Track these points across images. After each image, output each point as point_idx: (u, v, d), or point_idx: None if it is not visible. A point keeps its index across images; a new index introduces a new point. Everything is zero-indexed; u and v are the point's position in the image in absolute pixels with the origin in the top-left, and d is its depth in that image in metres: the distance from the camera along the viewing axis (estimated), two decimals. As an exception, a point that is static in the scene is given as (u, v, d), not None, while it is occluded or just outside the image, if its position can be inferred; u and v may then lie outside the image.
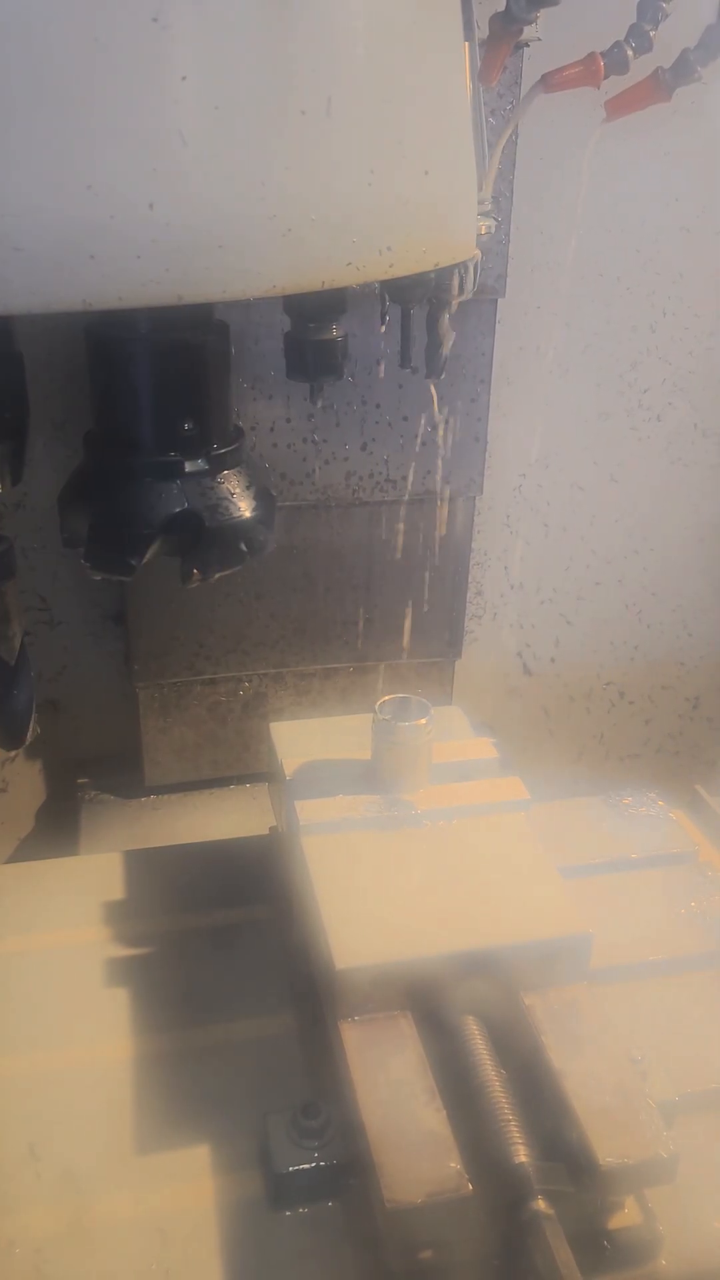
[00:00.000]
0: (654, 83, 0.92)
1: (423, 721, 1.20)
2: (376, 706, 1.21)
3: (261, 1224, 0.97)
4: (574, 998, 1.05)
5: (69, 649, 1.87)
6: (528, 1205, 0.90)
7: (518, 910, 1.08)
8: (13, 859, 1.92)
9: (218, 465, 0.91)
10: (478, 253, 0.89)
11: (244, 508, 0.92)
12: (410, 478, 1.66)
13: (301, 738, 1.31)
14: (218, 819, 1.83)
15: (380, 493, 1.68)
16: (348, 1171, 0.97)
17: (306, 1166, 0.97)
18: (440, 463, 1.66)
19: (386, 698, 1.22)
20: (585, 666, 2.11)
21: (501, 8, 0.90)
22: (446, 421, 1.65)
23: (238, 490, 0.92)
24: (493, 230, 1.00)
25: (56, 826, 1.94)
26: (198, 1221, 0.97)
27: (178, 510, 0.89)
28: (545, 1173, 0.92)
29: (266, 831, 1.41)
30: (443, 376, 1.28)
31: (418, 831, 1.18)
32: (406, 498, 1.67)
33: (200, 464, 0.90)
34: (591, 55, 0.91)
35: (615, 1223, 0.95)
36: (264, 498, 0.93)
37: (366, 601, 1.76)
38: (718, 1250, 0.95)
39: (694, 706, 2.19)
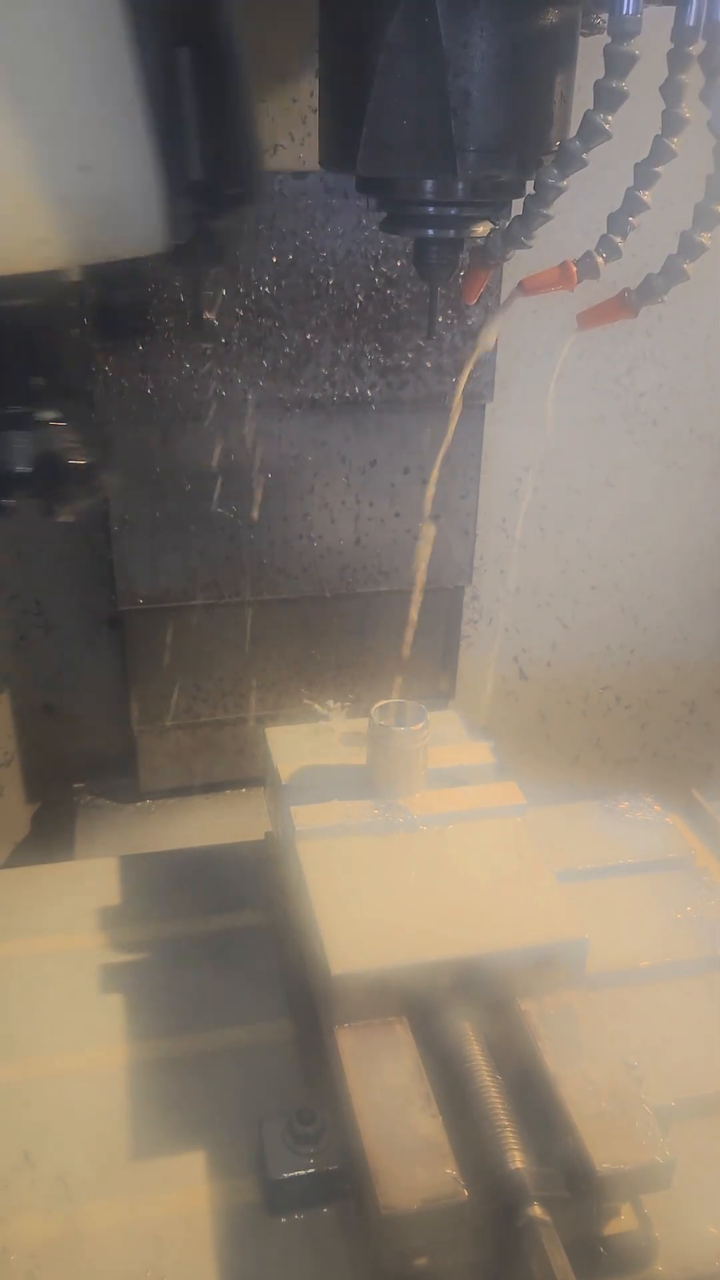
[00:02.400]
0: (621, 301, 1.02)
1: (419, 726, 1.20)
2: (372, 711, 1.21)
3: (257, 1230, 0.97)
4: (570, 1003, 1.05)
5: (64, 653, 1.87)
6: (524, 1211, 0.89)
7: (514, 916, 1.08)
8: (8, 864, 1.92)
9: (68, 416, 0.99)
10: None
11: (89, 452, 1.00)
12: (402, 571, 1.75)
13: (297, 743, 1.31)
14: (213, 824, 1.83)
15: (373, 584, 1.77)
16: (343, 1178, 0.97)
17: (302, 1173, 0.97)
18: (432, 557, 1.74)
19: (382, 702, 1.22)
20: (581, 670, 2.11)
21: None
22: (438, 518, 1.73)
23: (81, 438, 1.00)
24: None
25: (52, 831, 1.94)
26: (193, 1228, 0.97)
27: (39, 453, 0.97)
28: (541, 1179, 0.92)
29: (262, 837, 1.41)
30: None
31: (413, 837, 1.18)
32: (399, 589, 1.75)
33: (54, 414, 0.97)
34: (565, 263, 1.00)
35: (611, 1229, 0.94)
36: (100, 446, 1.04)
37: (360, 645, 1.83)
38: (714, 1256, 0.95)
39: (690, 710, 2.19)
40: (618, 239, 0.97)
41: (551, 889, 1.12)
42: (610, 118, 0.89)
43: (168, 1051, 1.12)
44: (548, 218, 0.96)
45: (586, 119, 0.89)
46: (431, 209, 1.00)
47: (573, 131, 0.92)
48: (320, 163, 1.04)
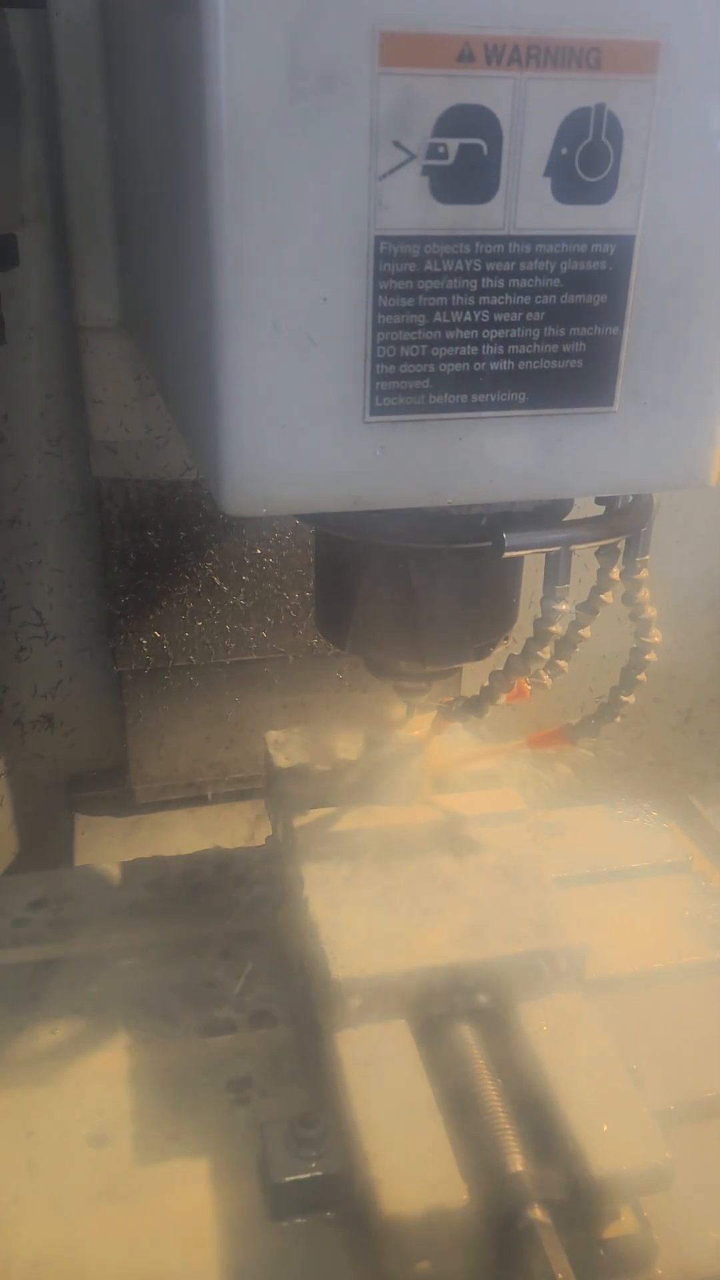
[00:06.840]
0: (564, 732, 1.26)
1: (420, 732, 1.21)
2: (375, 717, 1.22)
3: (259, 1235, 0.97)
4: (570, 1007, 1.05)
5: (64, 664, 1.87)
6: (525, 1214, 0.90)
7: (514, 921, 1.09)
8: (6, 873, 1.92)
9: None
10: None
11: None
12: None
13: (298, 748, 1.32)
14: (210, 835, 1.83)
15: None
16: (345, 1182, 0.97)
17: (304, 1177, 0.97)
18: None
19: (385, 707, 1.23)
20: (577, 679, 2.11)
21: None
22: None
23: None
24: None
25: (50, 842, 1.94)
26: (195, 1232, 0.97)
27: None
28: (542, 1182, 0.92)
29: (260, 846, 1.42)
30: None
31: (414, 842, 1.18)
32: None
33: None
34: (519, 681, 1.16)
35: (611, 1231, 0.95)
36: None
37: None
38: (713, 1259, 0.96)
39: (685, 720, 2.20)
40: (561, 663, 1.13)
41: (551, 894, 1.12)
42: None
43: (168, 1056, 1.12)
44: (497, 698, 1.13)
45: (527, 647, 1.05)
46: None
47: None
48: (317, 627, 1.16)
